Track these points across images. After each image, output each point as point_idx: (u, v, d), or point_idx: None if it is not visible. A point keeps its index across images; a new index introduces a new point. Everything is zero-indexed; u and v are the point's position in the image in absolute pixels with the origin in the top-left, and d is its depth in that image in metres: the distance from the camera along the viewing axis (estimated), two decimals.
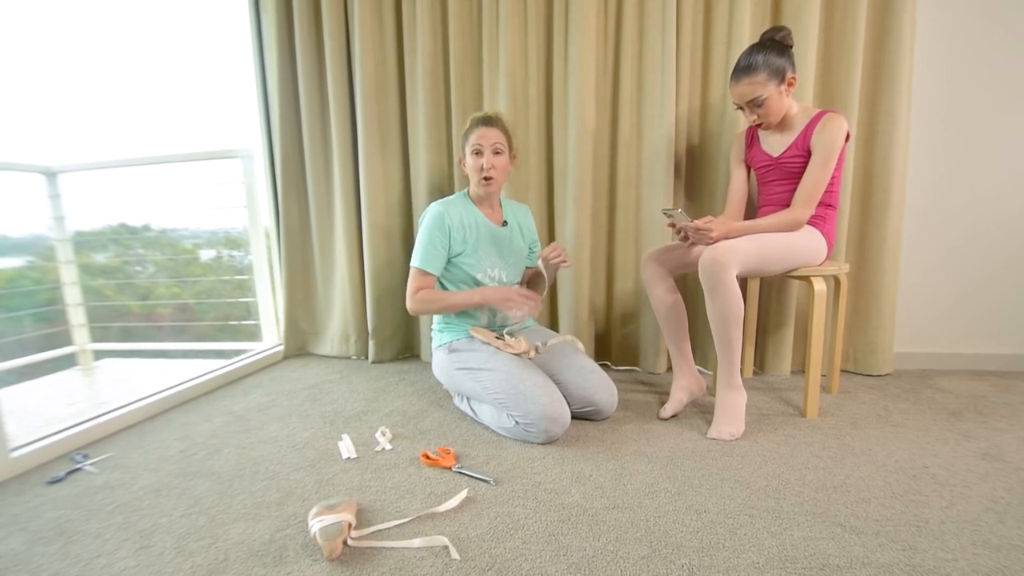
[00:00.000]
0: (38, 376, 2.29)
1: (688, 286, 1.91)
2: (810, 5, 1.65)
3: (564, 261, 1.50)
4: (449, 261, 1.57)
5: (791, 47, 1.42)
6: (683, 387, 1.55)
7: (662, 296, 1.55)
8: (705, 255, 1.32)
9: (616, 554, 0.92)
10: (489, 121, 1.53)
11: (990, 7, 1.72)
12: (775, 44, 1.40)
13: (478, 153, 1.51)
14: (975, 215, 1.83)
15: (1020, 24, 1.72)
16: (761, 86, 1.39)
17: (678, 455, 1.28)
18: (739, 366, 1.40)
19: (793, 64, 1.41)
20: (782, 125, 1.51)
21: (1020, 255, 1.83)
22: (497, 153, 1.51)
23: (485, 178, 1.52)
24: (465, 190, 1.66)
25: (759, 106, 1.42)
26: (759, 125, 1.48)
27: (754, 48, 1.40)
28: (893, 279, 1.78)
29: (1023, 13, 1.71)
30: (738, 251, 1.31)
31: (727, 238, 1.37)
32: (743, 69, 1.40)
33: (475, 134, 1.51)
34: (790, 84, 1.41)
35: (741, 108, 1.47)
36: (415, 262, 1.55)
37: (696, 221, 1.37)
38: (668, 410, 1.50)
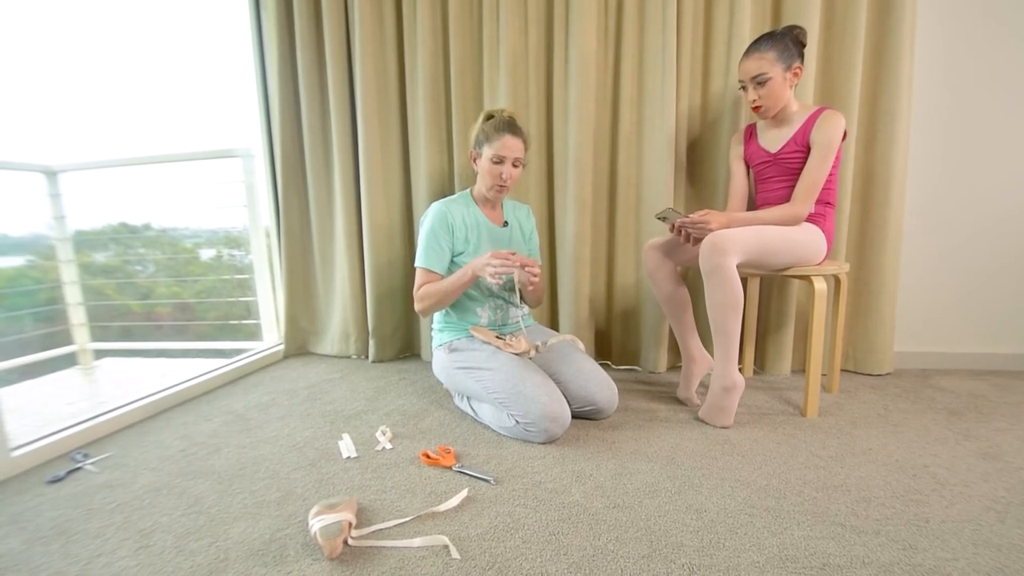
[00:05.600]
0: (38, 375, 2.30)
1: (690, 281, 1.90)
2: (810, 4, 1.65)
3: (530, 281, 1.45)
4: (451, 260, 1.57)
5: (804, 45, 1.48)
6: (694, 372, 1.61)
7: (664, 283, 1.58)
8: (706, 241, 1.34)
9: (616, 553, 0.92)
10: (516, 130, 1.52)
11: (990, 7, 1.72)
12: (790, 36, 1.45)
13: (499, 161, 1.51)
14: (976, 214, 1.83)
15: (1020, 24, 1.72)
16: (769, 64, 1.43)
17: (678, 454, 1.28)
18: (737, 356, 1.40)
19: (802, 59, 1.47)
20: (780, 121, 1.53)
21: (1020, 254, 1.83)
22: (516, 166, 1.53)
23: (499, 186, 1.53)
24: (468, 190, 1.66)
25: (762, 84, 1.45)
26: (756, 109, 1.49)
27: (770, 32, 1.47)
28: (893, 278, 1.78)
29: (1023, 13, 1.71)
30: (739, 239, 1.33)
31: (728, 228, 1.39)
32: (755, 46, 1.46)
33: (500, 141, 1.49)
34: (795, 74, 1.46)
35: (744, 88, 1.50)
36: (419, 262, 1.55)
37: (692, 215, 1.39)
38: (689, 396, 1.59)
